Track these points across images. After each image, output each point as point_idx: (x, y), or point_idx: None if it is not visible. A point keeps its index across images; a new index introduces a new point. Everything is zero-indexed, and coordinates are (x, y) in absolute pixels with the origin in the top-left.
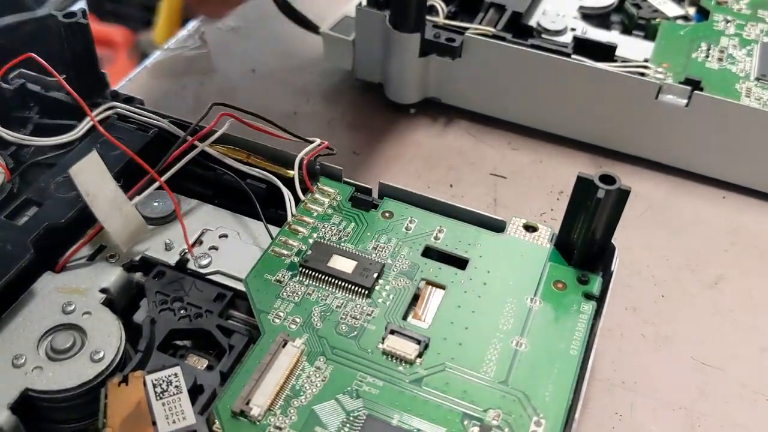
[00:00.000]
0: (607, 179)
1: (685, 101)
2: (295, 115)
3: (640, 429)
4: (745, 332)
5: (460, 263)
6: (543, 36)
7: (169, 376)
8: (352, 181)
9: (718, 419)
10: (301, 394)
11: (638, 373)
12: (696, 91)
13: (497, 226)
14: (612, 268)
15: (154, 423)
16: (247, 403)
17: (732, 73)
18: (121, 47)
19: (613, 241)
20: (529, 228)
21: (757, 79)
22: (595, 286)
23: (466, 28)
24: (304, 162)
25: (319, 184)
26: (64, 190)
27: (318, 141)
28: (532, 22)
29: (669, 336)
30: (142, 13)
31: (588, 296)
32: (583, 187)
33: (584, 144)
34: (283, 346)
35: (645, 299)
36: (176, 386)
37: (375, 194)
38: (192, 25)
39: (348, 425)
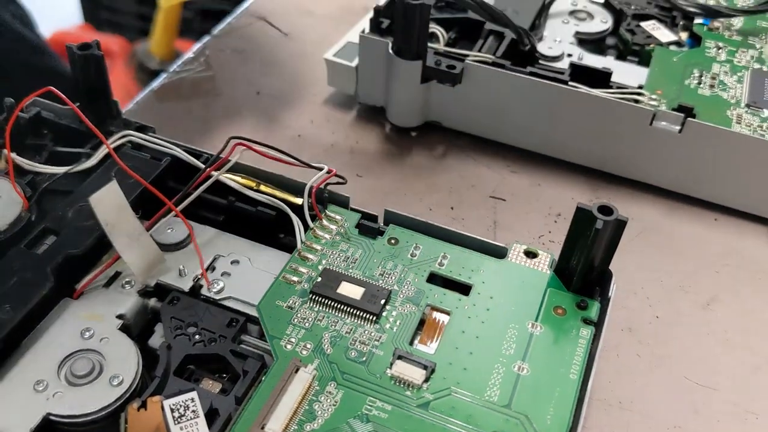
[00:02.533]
0: (605, 210)
1: (678, 128)
2: (299, 138)
3: None
4: (738, 352)
5: (464, 289)
6: (540, 62)
7: (186, 400)
8: (358, 208)
9: None
10: (314, 418)
11: (634, 392)
12: (689, 118)
13: (499, 252)
14: (609, 294)
15: None
16: (262, 428)
17: (723, 100)
18: (117, 57)
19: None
20: (530, 254)
21: (748, 105)
22: (594, 312)
23: (466, 55)
24: (314, 190)
25: (327, 211)
26: (81, 218)
27: (326, 168)
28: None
29: (663, 356)
30: (139, 22)
31: (587, 321)
32: (582, 217)
33: (582, 167)
34: (296, 372)
35: (640, 320)
36: (193, 410)
37: (381, 220)
38: (196, 47)
39: None
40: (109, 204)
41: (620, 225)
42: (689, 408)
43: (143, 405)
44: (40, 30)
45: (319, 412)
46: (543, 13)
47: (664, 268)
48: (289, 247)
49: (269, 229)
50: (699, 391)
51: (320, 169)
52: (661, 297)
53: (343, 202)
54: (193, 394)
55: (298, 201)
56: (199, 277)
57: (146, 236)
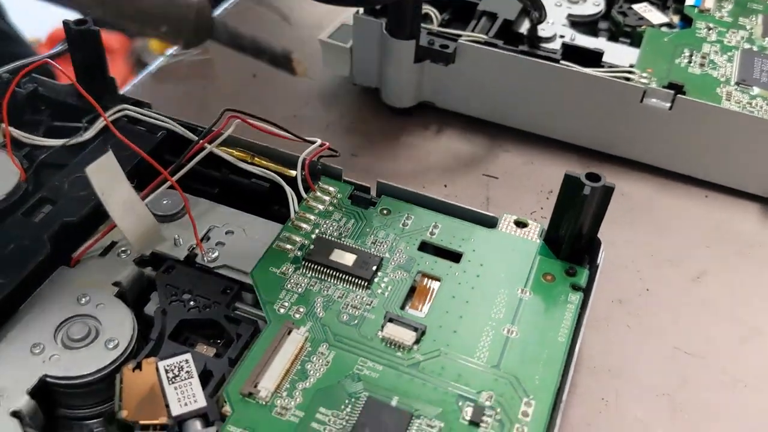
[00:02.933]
0: (593, 177)
1: (668, 105)
2: (295, 118)
3: (625, 414)
4: (726, 323)
5: (455, 257)
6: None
7: (181, 362)
8: (351, 180)
9: (699, 405)
10: (306, 377)
11: (624, 361)
12: (679, 95)
13: (489, 222)
14: (598, 261)
15: (166, 406)
16: (255, 386)
17: (713, 78)
18: (117, 53)
19: (599, 236)
20: (520, 224)
21: (737, 83)
22: (583, 278)
23: (459, 35)
24: (306, 162)
25: (320, 183)
26: (77, 188)
27: (319, 141)
28: (523, 30)
29: (653, 327)
30: None
31: (575, 287)
32: (570, 184)
33: (573, 146)
34: (288, 334)
35: (630, 292)
36: (187, 371)
37: (373, 192)
38: None
39: (350, 406)
40: (105, 174)
41: (608, 192)
42: (678, 376)
43: (138, 366)
44: (40, 28)
45: (312, 372)
46: None
47: (654, 243)
48: (282, 218)
49: (263, 200)
50: (688, 360)
51: (313, 143)
52: (651, 270)
53: (336, 175)
54: (188, 356)
55: (292, 173)
56: (194, 246)
57: (141, 205)
